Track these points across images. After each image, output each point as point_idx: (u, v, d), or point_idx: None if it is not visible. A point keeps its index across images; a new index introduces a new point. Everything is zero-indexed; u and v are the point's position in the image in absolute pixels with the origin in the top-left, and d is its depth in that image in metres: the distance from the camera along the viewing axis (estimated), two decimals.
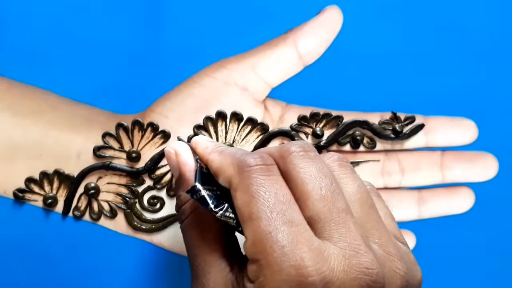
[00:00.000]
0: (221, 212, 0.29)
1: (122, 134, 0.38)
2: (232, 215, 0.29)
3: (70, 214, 0.38)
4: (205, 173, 0.31)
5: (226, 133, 0.39)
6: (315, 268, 0.26)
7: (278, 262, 0.26)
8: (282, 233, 0.27)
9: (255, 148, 0.39)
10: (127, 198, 0.38)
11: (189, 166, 0.32)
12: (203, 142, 0.32)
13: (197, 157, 0.32)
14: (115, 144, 0.38)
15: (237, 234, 0.31)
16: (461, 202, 0.40)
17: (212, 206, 0.29)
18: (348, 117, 0.40)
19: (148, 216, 0.39)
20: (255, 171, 0.28)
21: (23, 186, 0.38)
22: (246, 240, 0.28)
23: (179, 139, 0.38)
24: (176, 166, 0.33)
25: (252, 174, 0.28)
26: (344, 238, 0.28)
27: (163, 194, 0.39)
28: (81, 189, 0.38)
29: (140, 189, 0.39)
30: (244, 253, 0.29)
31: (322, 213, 0.28)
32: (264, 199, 0.28)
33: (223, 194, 0.30)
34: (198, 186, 0.29)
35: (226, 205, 0.29)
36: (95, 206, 0.38)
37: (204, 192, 0.29)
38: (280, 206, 0.28)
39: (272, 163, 0.29)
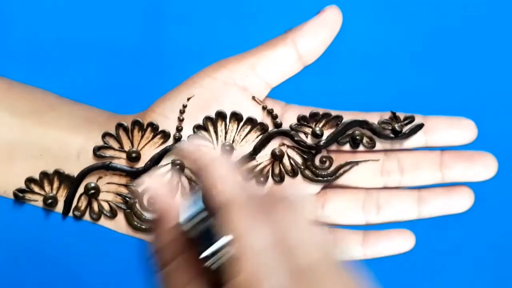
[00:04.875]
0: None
1: (122, 134, 0.38)
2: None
3: (70, 214, 0.38)
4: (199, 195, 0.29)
5: (226, 133, 0.39)
6: None
7: None
8: None
9: (255, 148, 0.39)
10: (127, 198, 0.38)
11: (170, 204, 0.30)
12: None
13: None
14: (115, 144, 0.38)
15: None
16: (460, 202, 0.40)
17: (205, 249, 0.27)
18: (348, 117, 0.40)
19: (148, 216, 0.39)
20: None
21: (23, 186, 0.38)
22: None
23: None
24: (160, 207, 0.30)
25: None
26: None
27: None
28: (81, 189, 0.38)
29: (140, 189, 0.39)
30: None
31: None
32: None
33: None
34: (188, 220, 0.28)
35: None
36: (95, 206, 0.38)
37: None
38: None
39: None
